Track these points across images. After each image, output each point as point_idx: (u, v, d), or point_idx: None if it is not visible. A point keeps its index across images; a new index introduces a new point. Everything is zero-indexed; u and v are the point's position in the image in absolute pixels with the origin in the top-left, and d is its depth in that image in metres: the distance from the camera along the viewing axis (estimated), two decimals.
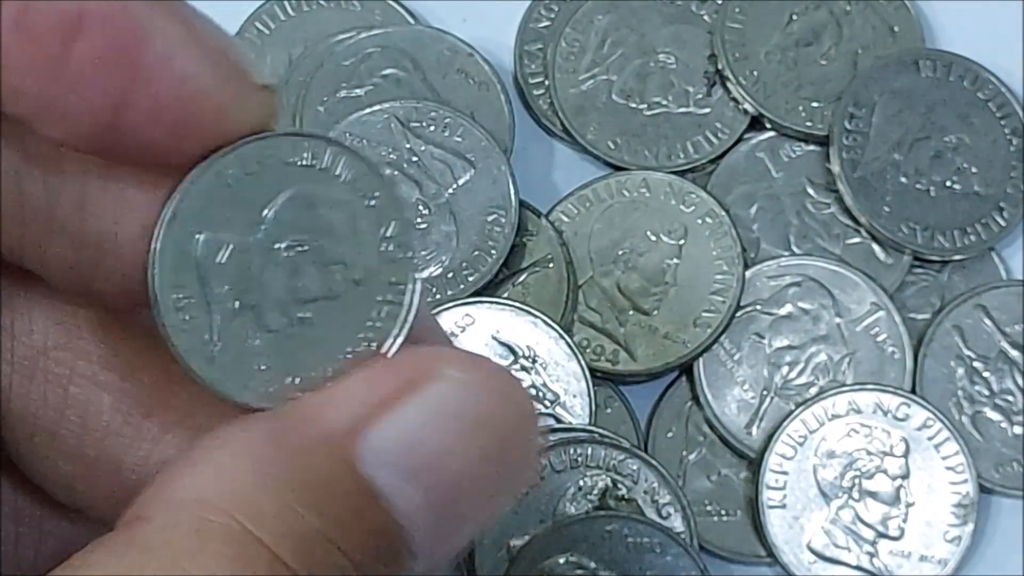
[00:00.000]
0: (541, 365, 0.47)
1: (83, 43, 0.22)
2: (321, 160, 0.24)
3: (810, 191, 0.51)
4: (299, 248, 0.24)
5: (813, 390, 0.48)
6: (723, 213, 0.50)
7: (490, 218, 0.48)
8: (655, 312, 0.49)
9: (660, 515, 0.46)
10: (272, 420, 0.23)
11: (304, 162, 0.24)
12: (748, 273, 0.49)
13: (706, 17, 0.52)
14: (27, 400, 0.27)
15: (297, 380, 0.24)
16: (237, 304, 0.24)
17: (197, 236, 0.24)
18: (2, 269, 0.26)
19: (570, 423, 0.47)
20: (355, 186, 0.24)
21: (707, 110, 0.51)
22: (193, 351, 0.24)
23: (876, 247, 0.50)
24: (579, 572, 0.44)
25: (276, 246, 0.24)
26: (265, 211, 0.24)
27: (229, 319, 0.24)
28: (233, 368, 0.24)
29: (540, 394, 0.47)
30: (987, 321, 0.49)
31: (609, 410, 0.48)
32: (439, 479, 0.22)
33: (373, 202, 0.24)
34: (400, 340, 0.24)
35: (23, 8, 0.22)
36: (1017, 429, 0.48)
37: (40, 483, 0.28)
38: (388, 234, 0.24)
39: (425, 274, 0.24)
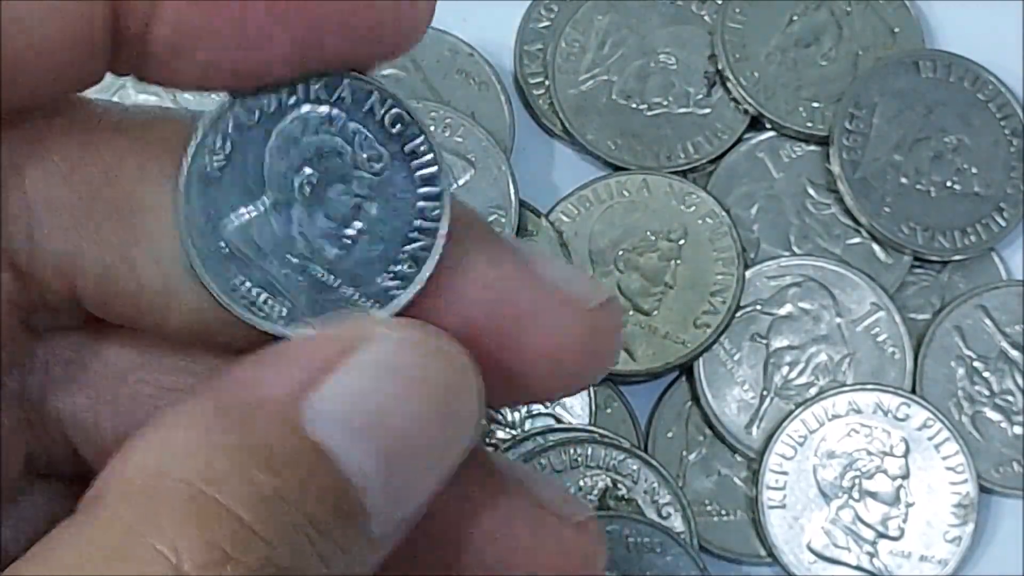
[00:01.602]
0: None
1: None
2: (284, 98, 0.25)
3: (810, 191, 0.51)
4: (313, 178, 0.25)
5: (813, 390, 0.48)
6: (723, 213, 0.50)
7: (490, 218, 0.48)
8: (655, 312, 0.49)
9: (660, 515, 0.46)
10: (215, 392, 0.23)
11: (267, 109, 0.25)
12: (748, 273, 0.49)
13: (706, 17, 0.52)
14: (116, 427, 0.27)
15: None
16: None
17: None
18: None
19: (570, 423, 0.47)
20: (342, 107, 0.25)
21: (707, 110, 0.51)
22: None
23: (876, 247, 0.50)
24: None
25: (292, 191, 0.25)
26: (263, 170, 0.24)
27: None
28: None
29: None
30: (987, 321, 0.49)
31: (609, 410, 0.48)
32: (384, 436, 0.23)
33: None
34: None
35: None
36: (1017, 429, 0.48)
37: None
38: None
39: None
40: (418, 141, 0.25)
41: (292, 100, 0.24)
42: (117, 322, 0.26)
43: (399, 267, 0.25)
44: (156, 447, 0.22)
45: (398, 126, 0.25)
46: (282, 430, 0.22)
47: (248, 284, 0.24)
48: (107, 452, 0.26)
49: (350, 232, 0.25)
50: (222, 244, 0.24)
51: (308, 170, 0.24)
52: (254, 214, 0.24)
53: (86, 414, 0.27)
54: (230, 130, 0.24)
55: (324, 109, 0.24)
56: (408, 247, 0.25)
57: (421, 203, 0.25)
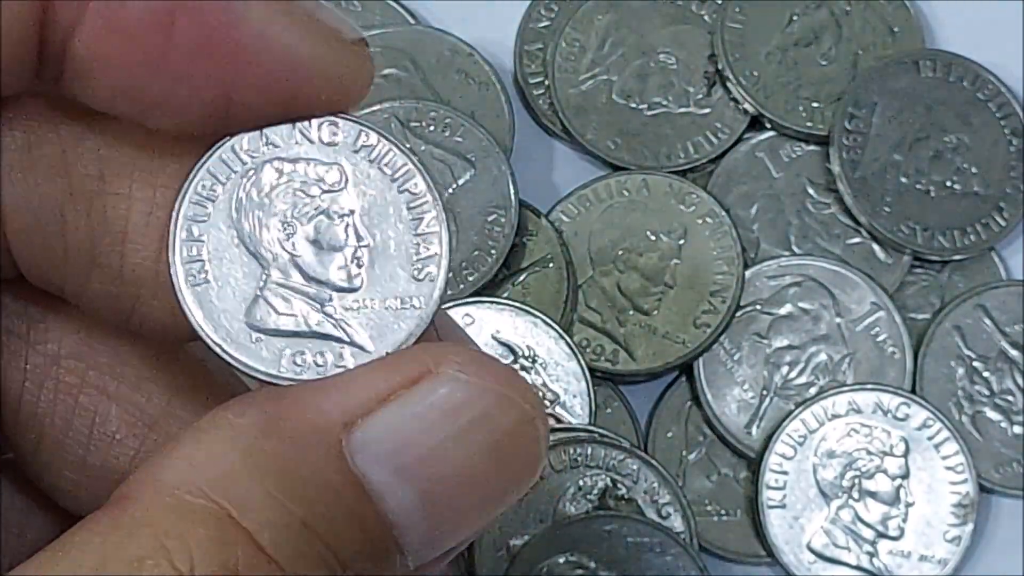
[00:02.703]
0: (541, 365, 0.47)
1: (180, 33, 0.22)
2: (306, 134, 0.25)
3: (810, 191, 0.51)
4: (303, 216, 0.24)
5: (813, 390, 0.48)
6: (723, 213, 0.50)
7: (490, 218, 0.48)
8: (655, 312, 0.49)
9: (660, 515, 0.46)
10: (265, 406, 0.22)
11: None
12: (748, 273, 0.49)
13: (706, 17, 0.52)
14: (37, 408, 0.27)
15: (324, 352, 0.24)
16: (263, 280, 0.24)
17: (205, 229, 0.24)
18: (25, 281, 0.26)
19: (570, 423, 0.47)
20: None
21: (707, 110, 0.51)
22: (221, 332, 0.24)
23: (876, 247, 0.50)
24: (579, 572, 0.44)
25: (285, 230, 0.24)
26: (248, 249, 0.24)
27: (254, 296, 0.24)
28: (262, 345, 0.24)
29: (540, 394, 0.47)
30: (987, 321, 0.49)
31: (609, 410, 0.48)
32: (431, 477, 0.22)
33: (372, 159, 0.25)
34: (415, 337, 0.24)
35: (114, 6, 0.22)
36: (1017, 429, 0.48)
37: (44, 489, 0.28)
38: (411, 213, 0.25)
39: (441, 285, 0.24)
40: (349, 131, 0.25)
41: (227, 180, 0.24)
42: (40, 284, 0.26)
43: (421, 238, 0.24)
44: (194, 456, 0.21)
45: (324, 128, 0.24)
46: (323, 460, 0.22)
47: (305, 354, 0.24)
48: (23, 427, 0.27)
49: (360, 247, 0.24)
50: (254, 336, 0.24)
51: (288, 222, 0.24)
52: (269, 296, 0.24)
53: (16, 386, 0.27)
54: (200, 236, 0.24)
55: (271, 168, 0.24)
56: (415, 223, 0.24)
57: (393, 179, 0.25)
